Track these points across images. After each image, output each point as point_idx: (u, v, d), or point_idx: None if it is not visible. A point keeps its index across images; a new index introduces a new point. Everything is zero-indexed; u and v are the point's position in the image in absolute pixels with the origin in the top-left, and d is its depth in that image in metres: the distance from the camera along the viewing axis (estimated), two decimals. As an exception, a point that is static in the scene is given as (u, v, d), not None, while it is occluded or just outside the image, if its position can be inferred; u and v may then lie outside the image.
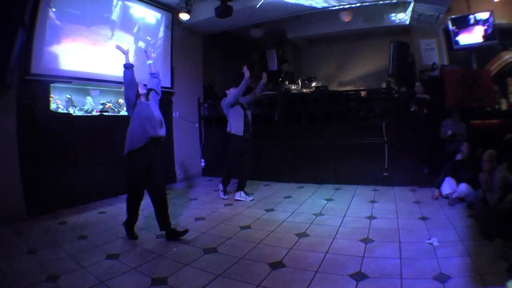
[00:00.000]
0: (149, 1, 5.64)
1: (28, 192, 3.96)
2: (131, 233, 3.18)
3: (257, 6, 5.65)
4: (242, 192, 4.62)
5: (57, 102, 4.66)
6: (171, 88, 6.14)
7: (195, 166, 6.80)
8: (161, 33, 5.92)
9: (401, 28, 7.63)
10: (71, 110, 4.78)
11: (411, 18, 6.59)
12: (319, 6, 5.98)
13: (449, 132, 4.67)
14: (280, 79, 7.12)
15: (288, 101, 6.13)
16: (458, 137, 4.69)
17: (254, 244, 2.94)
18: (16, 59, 3.61)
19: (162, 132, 3.13)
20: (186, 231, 3.13)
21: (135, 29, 5.44)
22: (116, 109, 5.41)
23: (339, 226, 3.34)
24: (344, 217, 3.66)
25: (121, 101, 5.61)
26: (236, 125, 4.46)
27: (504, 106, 5.75)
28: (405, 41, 7.64)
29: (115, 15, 5.12)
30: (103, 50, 4.93)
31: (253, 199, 4.59)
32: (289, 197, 4.74)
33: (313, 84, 7.18)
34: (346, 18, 7.00)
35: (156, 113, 3.14)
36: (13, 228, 3.52)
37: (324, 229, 3.27)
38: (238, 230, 3.35)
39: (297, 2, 5.84)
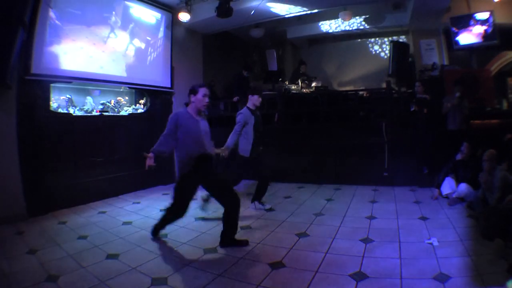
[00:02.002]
0: (149, 1, 5.65)
1: (28, 192, 3.95)
2: (155, 233, 3.16)
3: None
4: (256, 203, 4.17)
5: (53, 101, 4.64)
6: (171, 88, 6.14)
7: (195, 166, 6.79)
8: (161, 33, 5.92)
9: (401, 28, 7.64)
10: (71, 110, 4.78)
11: (411, 18, 6.61)
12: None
13: (457, 94, 4.62)
14: (300, 79, 7.18)
15: (288, 101, 6.12)
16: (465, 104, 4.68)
17: (254, 244, 2.94)
18: (16, 59, 3.61)
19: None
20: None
21: (135, 29, 5.44)
22: (116, 109, 5.41)
23: (339, 226, 3.34)
24: (344, 217, 3.66)
25: (121, 99, 5.61)
26: (242, 145, 3.96)
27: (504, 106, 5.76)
28: (405, 41, 7.65)
29: (115, 15, 5.12)
30: (103, 50, 4.93)
31: (271, 208, 4.13)
32: (289, 197, 4.74)
33: (313, 84, 7.19)
34: (345, 18, 7.01)
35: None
36: (13, 228, 3.52)
37: (324, 229, 3.27)
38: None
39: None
